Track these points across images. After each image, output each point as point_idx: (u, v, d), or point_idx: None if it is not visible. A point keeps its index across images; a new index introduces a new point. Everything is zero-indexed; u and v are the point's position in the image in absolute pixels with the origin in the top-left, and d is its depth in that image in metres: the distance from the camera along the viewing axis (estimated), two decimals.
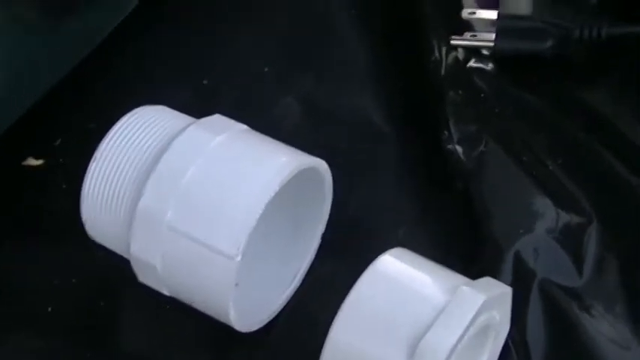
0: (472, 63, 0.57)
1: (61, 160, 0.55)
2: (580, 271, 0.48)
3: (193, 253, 0.40)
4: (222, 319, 0.43)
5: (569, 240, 0.49)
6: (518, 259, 0.47)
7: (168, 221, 0.41)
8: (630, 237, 0.50)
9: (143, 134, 0.43)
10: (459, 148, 0.52)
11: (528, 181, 0.51)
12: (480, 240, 0.49)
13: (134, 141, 0.43)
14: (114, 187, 0.43)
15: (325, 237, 0.49)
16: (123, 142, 0.43)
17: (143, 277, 0.44)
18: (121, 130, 0.44)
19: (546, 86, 0.56)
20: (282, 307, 0.47)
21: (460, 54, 0.57)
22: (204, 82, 0.57)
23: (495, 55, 0.56)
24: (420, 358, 0.36)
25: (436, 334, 0.36)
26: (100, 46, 0.57)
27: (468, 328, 0.36)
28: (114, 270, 0.47)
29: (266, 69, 0.58)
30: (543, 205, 0.50)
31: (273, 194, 0.40)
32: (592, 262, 0.48)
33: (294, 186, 0.43)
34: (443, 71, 0.56)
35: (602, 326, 0.46)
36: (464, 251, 0.49)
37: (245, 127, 0.45)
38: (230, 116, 0.47)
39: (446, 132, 0.53)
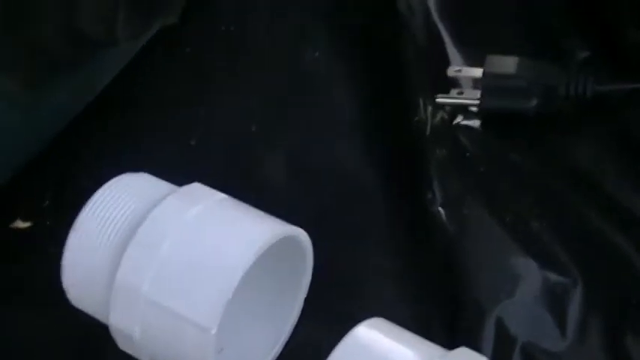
0: (459, 120, 0.57)
1: (48, 222, 0.55)
2: (564, 335, 0.48)
3: (170, 324, 0.41)
4: None
5: (553, 302, 0.49)
6: (500, 324, 0.47)
7: (145, 293, 0.41)
8: (616, 300, 0.49)
9: (121, 205, 0.44)
10: (442, 210, 0.52)
11: (512, 242, 0.51)
12: (461, 304, 0.48)
13: (112, 212, 0.43)
14: (92, 258, 0.43)
15: (308, 297, 0.49)
16: (101, 214, 0.43)
17: (123, 346, 0.44)
18: (99, 201, 0.44)
19: (532, 144, 0.56)
20: None
21: (446, 112, 0.57)
22: (192, 142, 0.58)
23: (482, 113, 0.57)
24: None
25: None
26: (87, 108, 0.57)
27: None
28: (98, 333, 0.46)
29: (253, 128, 0.58)
30: (526, 267, 0.50)
31: (247, 266, 0.40)
32: (576, 325, 0.48)
33: (275, 253, 0.43)
34: (428, 130, 0.56)
35: None
36: (445, 316, 0.48)
37: (224, 195, 0.45)
38: (217, 177, 0.47)
39: (430, 194, 0.53)
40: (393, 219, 0.54)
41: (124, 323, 0.42)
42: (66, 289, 0.45)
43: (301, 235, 0.45)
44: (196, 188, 0.45)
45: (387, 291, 0.50)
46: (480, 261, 0.50)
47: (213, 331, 0.39)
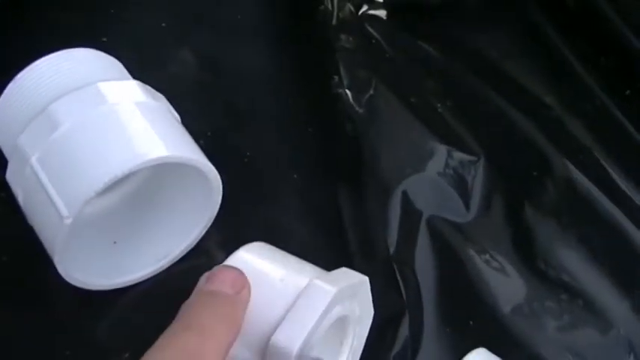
0: (365, 10, 0.57)
1: None
2: (468, 208, 0.49)
3: (41, 200, 0.40)
4: None
5: (457, 178, 0.49)
6: (406, 198, 0.48)
7: (32, 162, 0.41)
8: (517, 174, 0.51)
9: (57, 75, 0.44)
10: (349, 93, 0.52)
11: (417, 123, 0.51)
12: (368, 180, 0.49)
13: (50, 77, 0.44)
14: (17, 112, 0.43)
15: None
16: (43, 72, 0.44)
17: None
18: (44, 63, 0.44)
19: (438, 33, 0.56)
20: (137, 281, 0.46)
21: (352, 2, 0.57)
22: (104, 39, 0.57)
23: (387, 2, 0.57)
24: (272, 357, 0.34)
25: (284, 332, 0.34)
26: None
27: (319, 321, 0.35)
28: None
29: (163, 24, 0.57)
30: (431, 145, 0.50)
31: (117, 177, 0.39)
32: (479, 198, 0.49)
33: (184, 176, 0.44)
34: (334, 20, 0.56)
35: (486, 257, 0.47)
36: (353, 192, 0.49)
37: (148, 100, 0.44)
38: (129, 71, 0.47)
39: (336, 77, 0.53)
40: (301, 104, 0.53)
41: (13, 182, 0.42)
42: None
43: (211, 173, 0.43)
44: (132, 86, 0.44)
45: (298, 172, 0.50)
46: (386, 139, 0.51)
47: (68, 221, 0.39)
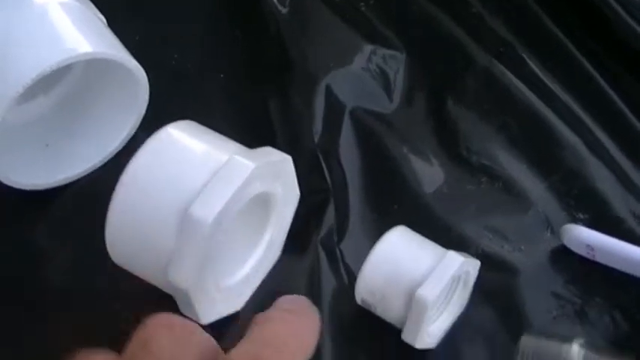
0: None
1: None
2: (391, 99, 0.49)
3: None
4: None
5: (381, 73, 0.50)
6: (330, 91, 0.48)
7: None
8: (438, 68, 0.51)
9: None
10: None
11: (341, 21, 0.51)
12: (293, 76, 0.49)
13: None
14: None
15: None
16: None
17: None
18: None
19: None
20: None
21: None
22: None
23: None
24: (187, 227, 0.34)
25: (201, 203, 0.34)
26: None
27: (237, 194, 0.34)
28: None
29: None
30: (355, 42, 0.51)
31: (44, 72, 0.39)
32: (402, 90, 0.49)
33: (112, 80, 0.44)
34: None
35: (409, 145, 0.47)
36: (279, 89, 0.49)
37: (75, 3, 0.43)
38: None
39: None
40: (225, 7, 0.54)
41: None
42: None
43: (136, 70, 0.43)
44: None
45: (224, 71, 0.50)
46: (310, 37, 0.51)
47: None
